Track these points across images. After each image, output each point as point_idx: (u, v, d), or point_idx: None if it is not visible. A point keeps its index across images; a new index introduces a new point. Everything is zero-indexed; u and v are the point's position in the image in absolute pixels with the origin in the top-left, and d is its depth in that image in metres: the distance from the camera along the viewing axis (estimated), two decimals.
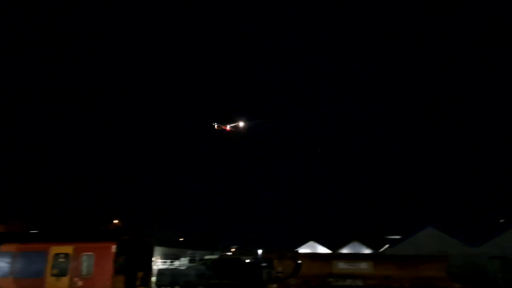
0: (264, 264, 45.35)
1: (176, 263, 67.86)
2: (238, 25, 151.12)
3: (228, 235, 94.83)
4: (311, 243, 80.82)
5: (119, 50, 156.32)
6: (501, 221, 72.37)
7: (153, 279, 33.43)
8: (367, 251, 75.92)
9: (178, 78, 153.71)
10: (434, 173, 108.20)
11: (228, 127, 73.66)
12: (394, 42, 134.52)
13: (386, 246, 72.26)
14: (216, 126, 76.38)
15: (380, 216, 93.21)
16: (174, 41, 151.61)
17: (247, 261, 75.53)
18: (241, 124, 73.77)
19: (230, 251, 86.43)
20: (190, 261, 70.46)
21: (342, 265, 26.12)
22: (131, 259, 23.04)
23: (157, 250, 64.76)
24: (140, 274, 23.53)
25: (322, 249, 78.74)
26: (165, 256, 69.47)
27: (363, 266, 27.09)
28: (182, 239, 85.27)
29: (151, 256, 25.08)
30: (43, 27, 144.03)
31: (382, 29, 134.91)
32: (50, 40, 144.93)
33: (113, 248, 22.58)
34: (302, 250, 77.81)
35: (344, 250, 76.73)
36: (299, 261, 26.18)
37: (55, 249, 23.58)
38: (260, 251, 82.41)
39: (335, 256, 34.81)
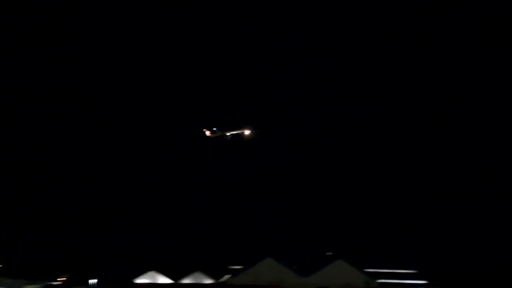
0: None
1: None
2: (238, 25, 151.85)
3: (57, 262, 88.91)
4: (151, 273, 78.46)
5: (119, 50, 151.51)
6: (328, 254, 78.64)
7: None
8: (209, 281, 77.34)
9: (178, 78, 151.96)
10: (276, 204, 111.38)
11: (227, 134, 68.14)
12: (394, 42, 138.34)
13: (228, 276, 74.95)
14: (208, 132, 69.49)
15: (224, 246, 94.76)
16: (174, 41, 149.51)
17: None
18: (246, 132, 68.15)
19: (57, 281, 78.77)
20: None
21: None
22: None
23: None
24: None
25: (163, 280, 77.73)
26: None
27: None
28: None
29: None
30: (43, 27, 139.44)
31: (382, 29, 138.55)
32: (50, 40, 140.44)
33: None
34: (141, 280, 77.27)
35: (186, 280, 77.43)
36: None
37: None
38: (93, 281, 77.87)
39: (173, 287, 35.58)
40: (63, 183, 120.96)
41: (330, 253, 79.56)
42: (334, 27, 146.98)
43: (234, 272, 73.58)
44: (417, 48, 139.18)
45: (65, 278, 79.48)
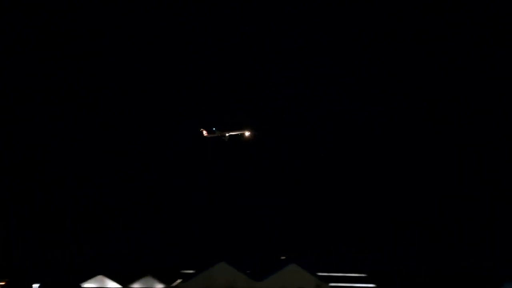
0: None
1: None
2: (238, 25, 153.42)
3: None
4: (100, 277, 76.26)
5: (119, 50, 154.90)
6: (282, 258, 78.22)
7: None
8: (160, 285, 75.92)
9: (178, 78, 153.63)
10: (228, 209, 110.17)
11: (226, 135, 66.98)
12: (394, 42, 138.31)
13: (179, 280, 73.94)
14: (205, 132, 68.31)
15: (176, 249, 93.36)
16: (174, 41, 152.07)
17: None
18: (247, 133, 66.86)
19: None
20: None
21: None
22: None
23: None
24: None
25: (111, 284, 76.26)
26: None
27: None
28: None
29: None
30: (43, 27, 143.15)
31: (382, 29, 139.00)
32: (50, 40, 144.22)
33: None
34: (88, 285, 75.91)
35: (136, 285, 76.28)
36: None
37: None
38: (36, 286, 75.32)
39: None
40: (63, 183, 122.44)
41: (283, 257, 79.57)
42: (334, 27, 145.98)
43: (186, 277, 72.59)
44: (417, 48, 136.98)
45: (4, 283, 76.98)
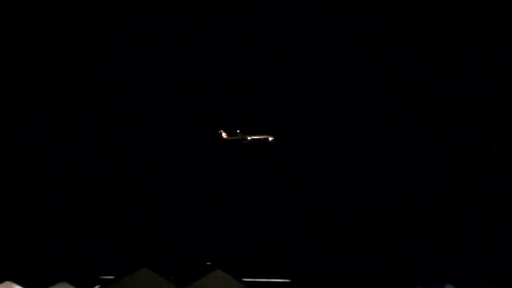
0: None
1: None
2: (238, 25, 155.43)
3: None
4: (7, 283, 70.22)
5: (119, 50, 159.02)
6: (207, 263, 76.52)
7: None
8: None
9: (178, 78, 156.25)
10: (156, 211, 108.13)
11: (248, 139, 66.05)
12: (394, 42, 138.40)
13: (97, 287, 71.55)
14: (225, 134, 67.49)
15: (94, 254, 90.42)
16: (174, 41, 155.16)
17: None
18: (270, 138, 66.40)
19: None
20: None
21: None
22: None
23: None
24: None
25: None
26: None
27: None
28: None
29: None
30: (43, 27, 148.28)
31: (382, 29, 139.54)
32: (50, 40, 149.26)
33: None
34: None
35: None
36: None
37: None
38: None
39: None
40: (63, 183, 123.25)
41: (209, 263, 77.60)
42: (334, 27, 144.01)
43: (106, 283, 70.17)
44: (417, 48, 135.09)
45: None
